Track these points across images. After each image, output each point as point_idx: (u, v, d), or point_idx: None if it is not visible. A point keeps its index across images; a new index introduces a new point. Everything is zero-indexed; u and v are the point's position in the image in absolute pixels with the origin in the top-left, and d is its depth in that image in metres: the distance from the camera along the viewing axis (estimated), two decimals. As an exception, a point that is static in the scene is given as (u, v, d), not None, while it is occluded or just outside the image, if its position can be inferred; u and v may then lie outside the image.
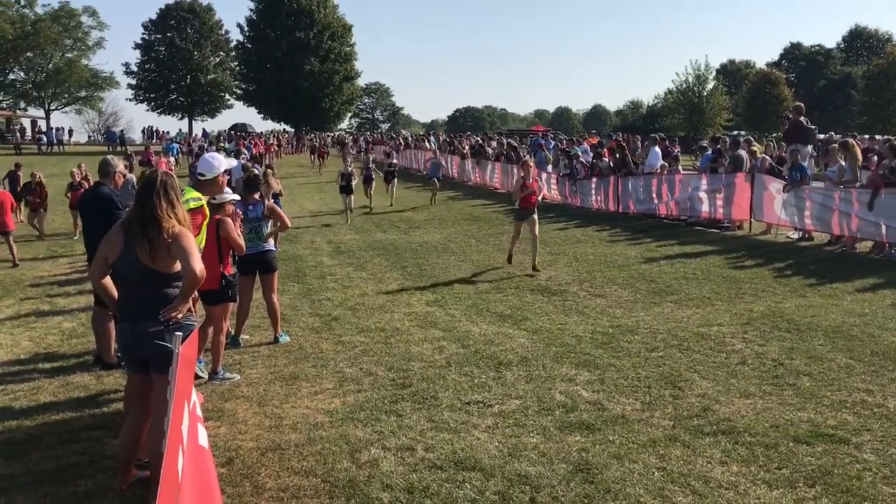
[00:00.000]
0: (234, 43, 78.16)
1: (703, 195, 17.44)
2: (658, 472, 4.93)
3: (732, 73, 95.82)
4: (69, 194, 17.67)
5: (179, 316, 4.57)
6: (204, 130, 63.67)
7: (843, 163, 13.98)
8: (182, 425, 3.26)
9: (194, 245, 4.61)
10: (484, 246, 15.20)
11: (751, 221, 16.22)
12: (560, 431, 5.65)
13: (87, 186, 16.76)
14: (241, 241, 7.24)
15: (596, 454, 5.21)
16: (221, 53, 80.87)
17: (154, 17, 78.29)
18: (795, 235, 15.10)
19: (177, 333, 3.94)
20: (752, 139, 20.93)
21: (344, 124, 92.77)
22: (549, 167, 24.43)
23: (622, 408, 6.12)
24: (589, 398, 6.35)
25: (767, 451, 5.20)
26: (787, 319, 8.77)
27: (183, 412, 3.34)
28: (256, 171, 11.87)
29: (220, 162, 6.55)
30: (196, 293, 5.40)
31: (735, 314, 9.13)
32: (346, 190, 20.09)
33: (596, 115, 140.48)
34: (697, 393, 6.43)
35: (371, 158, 27.70)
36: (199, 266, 4.50)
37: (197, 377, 6.51)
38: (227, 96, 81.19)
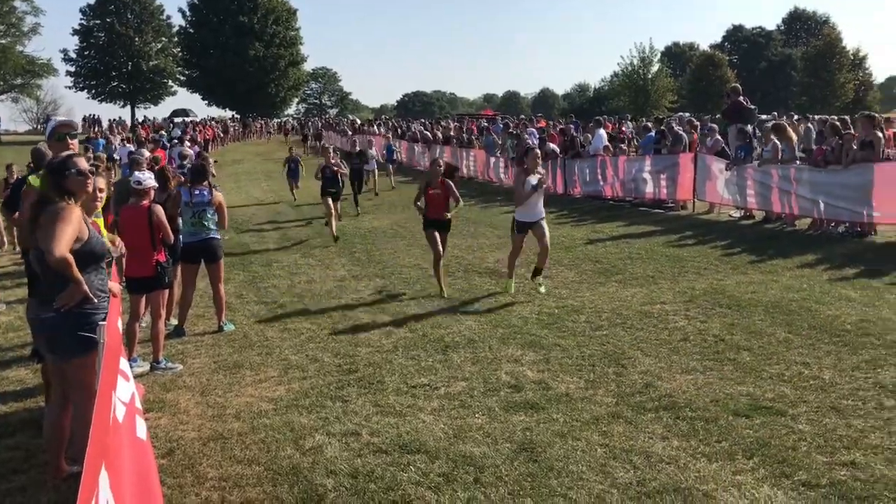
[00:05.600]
0: (177, 28, 76.56)
1: (647, 176, 17.63)
2: (601, 449, 4.99)
3: (677, 55, 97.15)
4: None
5: (71, 303, 4.36)
6: (145, 118, 62.24)
7: (778, 143, 14.24)
8: (109, 414, 3.18)
9: (64, 228, 4.27)
10: (432, 230, 15.13)
11: (694, 201, 16.47)
12: (505, 411, 5.68)
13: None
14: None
15: (540, 433, 5.26)
16: (163, 39, 78.94)
17: (92, 2, 76.06)
18: (737, 214, 15.39)
19: (101, 323, 3.84)
20: (693, 120, 21.23)
21: (291, 110, 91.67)
22: (498, 151, 24.47)
23: (566, 386, 6.17)
24: (534, 378, 6.40)
25: (707, 426, 5.30)
26: (728, 296, 8.94)
27: (110, 402, 3.25)
28: (192, 153, 11.82)
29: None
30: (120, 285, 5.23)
31: (678, 292, 9.27)
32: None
33: (544, 99, 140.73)
34: (640, 370, 6.52)
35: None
36: (57, 250, 4.16)
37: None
38: (171, 83, 79.40)
